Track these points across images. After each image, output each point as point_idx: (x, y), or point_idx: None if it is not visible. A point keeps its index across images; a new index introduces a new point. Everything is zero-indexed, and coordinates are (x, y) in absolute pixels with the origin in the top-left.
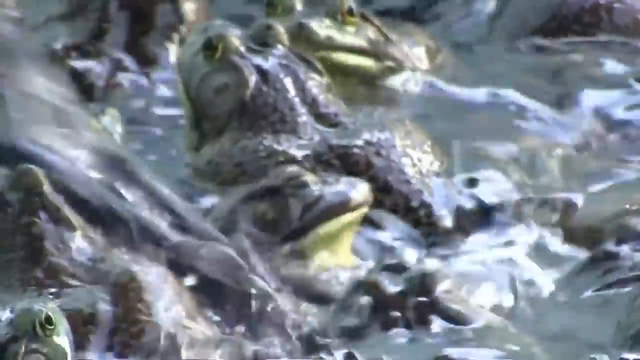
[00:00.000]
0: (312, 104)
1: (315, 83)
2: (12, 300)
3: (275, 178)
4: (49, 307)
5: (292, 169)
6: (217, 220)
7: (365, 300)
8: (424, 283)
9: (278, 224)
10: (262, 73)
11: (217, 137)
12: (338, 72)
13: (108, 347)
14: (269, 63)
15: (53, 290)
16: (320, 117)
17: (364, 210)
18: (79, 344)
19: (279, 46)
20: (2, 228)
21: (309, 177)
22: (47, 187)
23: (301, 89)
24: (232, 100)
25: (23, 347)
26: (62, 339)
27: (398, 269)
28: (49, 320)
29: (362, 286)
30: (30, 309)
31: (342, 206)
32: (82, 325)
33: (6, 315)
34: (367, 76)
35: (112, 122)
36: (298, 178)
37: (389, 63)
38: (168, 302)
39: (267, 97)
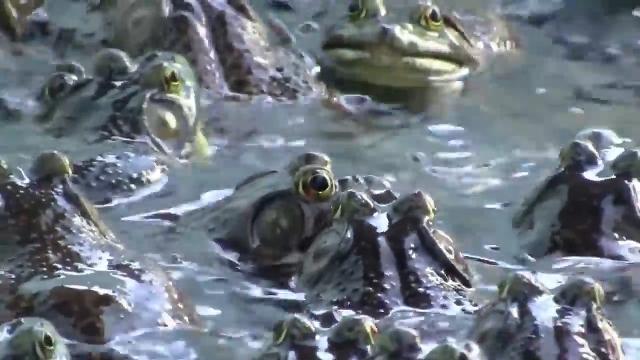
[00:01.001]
0: (228, 50)
1: (241, 30)
2: (24, 280)
3: (287, 178)
4: (48, 327)
5: (308, 166)
6: (226, 224)
7: None
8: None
9: (290, 232)
10: (186, 9)
11: None
12: (422, 75)
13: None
14: (194, 2)
15: (63, 273)
16: (233, 68)
17: None
18: (91, 324)
19: None
20: (22, 208)
21: (325, 173)
22: (69, 174)
23: (222, 32)
24: (146, 33)
25: None
26: (61, 359)
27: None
28: (48, 340)
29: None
30: (30, 329)
31: None
32: (94, 306)
33: (5, 335)
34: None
35: (183, 69)
36: (313, 174)
37: (470, 67)
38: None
39: (182, 34)
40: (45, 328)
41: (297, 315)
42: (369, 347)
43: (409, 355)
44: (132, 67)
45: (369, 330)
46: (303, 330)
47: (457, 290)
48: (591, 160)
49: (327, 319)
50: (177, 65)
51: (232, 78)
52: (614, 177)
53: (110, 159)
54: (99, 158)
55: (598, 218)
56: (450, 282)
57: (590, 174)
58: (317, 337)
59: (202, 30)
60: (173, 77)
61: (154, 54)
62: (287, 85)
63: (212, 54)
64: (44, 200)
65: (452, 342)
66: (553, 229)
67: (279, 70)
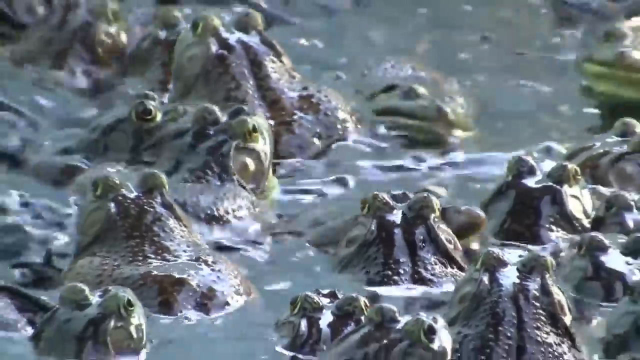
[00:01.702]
0: (263, 78)
1: (272, 63)
2: (123, 267)
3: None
4: (129, 294)
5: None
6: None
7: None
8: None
9: None
10: (228, 48)
11: (183, 97)
12: None
13: (190, 305)
14: (235, 41)
15: (153, 262)
16: (268, 90)
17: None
18: (166, 300)
19: (253, 31)
20: (129, 213)
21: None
22: (166, 188)
23: (258, 64)
24: (198, 67)
25: (112, 323)
26: (140, 318)
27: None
28: (130, 303)
29: None
30: (115, 294)
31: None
32: (171, 286)
33: (96, 299)
34: None
35: (261, 121)
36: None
37: None
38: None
39: (227, 67)
40: (127, 294)
41: (308, 293)
42: (363, 318)
43: (389, 325)
44: (223, 117)
45: (363, 305)
46: (313, 304)
47: (453, 274)
48: (531, 171)
49: (331, 296)
50: (257, 119)
51: (268, 99)
52: (549, 184)
53: (209, 197)
54: (197, 197)
55: (538, 215)
56: (449, 268)
57: (531, 182)
58: (324, 310)
59: (242, 64)
60: (254, 129)
61: (241, 108)
62: (312, 100)
63: (251, 82)
64: (145, 207)
65: (422, 315)
66: (505, 223)
67: (304, 89)
